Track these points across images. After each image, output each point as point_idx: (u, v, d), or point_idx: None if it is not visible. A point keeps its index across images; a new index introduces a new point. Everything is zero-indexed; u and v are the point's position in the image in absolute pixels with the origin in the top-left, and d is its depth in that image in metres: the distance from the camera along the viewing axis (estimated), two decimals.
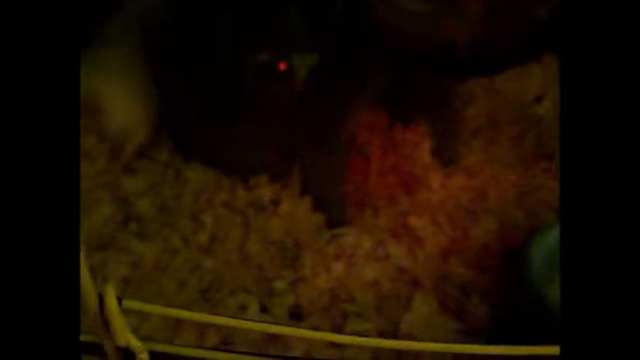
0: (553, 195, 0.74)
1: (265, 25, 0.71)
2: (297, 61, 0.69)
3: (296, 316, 0.63)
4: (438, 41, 0.85)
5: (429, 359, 0.59)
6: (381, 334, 0.61)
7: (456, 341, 0.62)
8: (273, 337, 0.60)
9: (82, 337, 0.37)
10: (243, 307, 0.64)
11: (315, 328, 0.61)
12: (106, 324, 0.36)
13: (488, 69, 0.88)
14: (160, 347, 0.37)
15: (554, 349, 0.38)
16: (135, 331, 0.38)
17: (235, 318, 0.37)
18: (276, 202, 0.71)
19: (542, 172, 0.76)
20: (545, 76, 0.85)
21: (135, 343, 0.36)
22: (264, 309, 0.64)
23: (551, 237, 0.64)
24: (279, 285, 0.65)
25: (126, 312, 0.37)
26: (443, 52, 0.86)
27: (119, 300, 0.36)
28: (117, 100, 0.74)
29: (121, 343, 0.36)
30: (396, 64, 0.73)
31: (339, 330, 0.61)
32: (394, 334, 0.61)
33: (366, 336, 0.55)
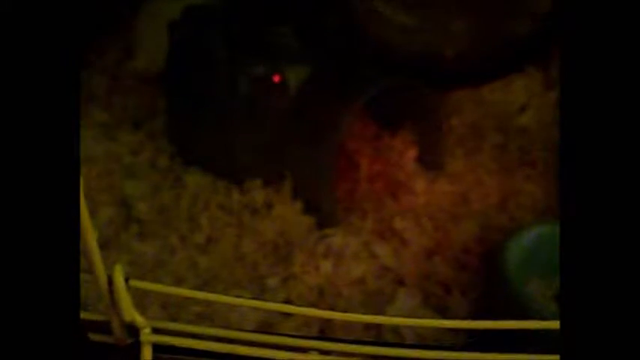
0: (533, 199, 0.78)
1: (260, 39, 0.75)
2: (291, 74, 0.73)
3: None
4: (424, 53, 0.89)
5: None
6: (367, 328, 0.65)
7: (437, 335, 0.65)
8: (267, 326, 0.63)
9: (90, 316, 0.41)
10: None
11: (305, 323, 0.65)
12: (113, 302, 0.39)
13: (473, 80, 0.92)
14: (162, 324, 0.41)
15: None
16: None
17: (234, 297, 0.40)
18: (269, 205, 0.74)
19: (523, 178, 0.80)
20: (528, 87, 0.89)
21: (139, 319, 0.40)
22: None
23: (526, 238, 0.68)
24: (272, 282, 0.68)
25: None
26: (429, 64, 0.90)
27: (126, 280, 0.39)
28: None
29: (127, 319, 0.39)
30: (384, 75, 0.77)
31: (326, 324, 0.64)
32: (378, 328, 0.64)
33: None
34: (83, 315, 0.41)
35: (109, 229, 0.74)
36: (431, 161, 0.81)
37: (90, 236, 0.38)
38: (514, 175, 0.80)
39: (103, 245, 0.73)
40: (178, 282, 0.69)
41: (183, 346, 0.42)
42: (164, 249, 0.71)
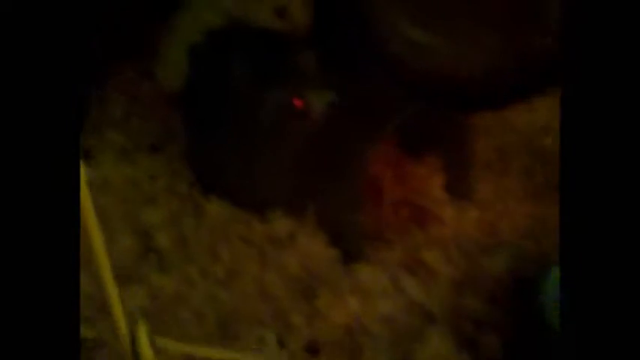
0: None
1: (281, 64, 0.73)
2: (314, 99, 0.71)
3: (312, 350, 0.64)
4: (447, 74, 0.87)
5: None
6: None
7: None
8: None
9: None
10: (260, 341, 0.64)
11: None
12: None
13: (497, 102, 0.89)
14: None
15: None
16: None
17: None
18: (292, 237, 0.72)
19: (552, 203, 0.77)
20: (552, 107, 0.86)
21: None
22: (281, 343, 0.64)
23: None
24: (296, 319, 0.66)
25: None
26: (452, 85, 0.87)
27: (150, 338, 0.37)
28: None
29: None
30: (408, 98, 0.75)
31: None
32: None
33: None
34: None
35: (126, 259, 0.72)
36: (458, 188, 0.78)
37: (112, 291, 0.36)
38: (542, 200, 0.78)
39: (120, 277, 0.70)
40: (198, 318, 0.66)
41: None
42: (183, 282, 0.69)
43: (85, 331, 0.53)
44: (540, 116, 0.86)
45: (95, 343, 0.57)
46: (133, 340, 0.37)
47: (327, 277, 0.68)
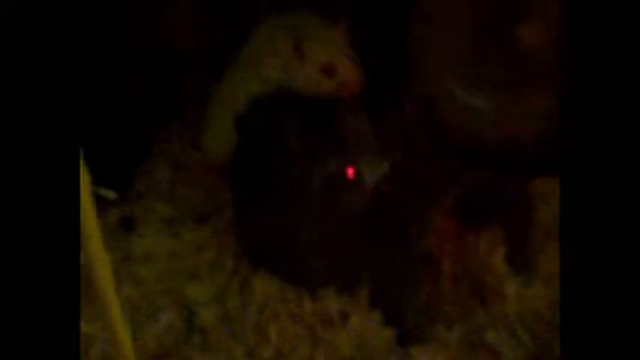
0: None
1: (332, 131, 0.70)
2: (366, 168, 0.68)
3: None
4: (504, 139, 0.84)
5: None
6: None
7: None
8: None
9: None
10: None
11: None
12: None
13: (556, 168, 0.85)
14: None
15: None
16: None
17: None
18: (344, 316, 0.68)
19: None
20: None
21: None
22: None
23: None
24: None
25: None
26: (510, 150, 0.84)
27: None
28: None
29: None
30: (465, 167, 0.72)
31: None
32: None
33: None
34: None
35: (169, 338, 0.69)
36: (521, 261, 0.74)
37: None
38: None
39: (162, 356, 0.67)
40: None
41: None
42: None
43: None
44: None
45: None
46: None
47: (382, 359, 0.64)
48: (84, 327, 0.64)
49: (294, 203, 0.69)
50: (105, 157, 0.82)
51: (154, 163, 0.90)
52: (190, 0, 0.94)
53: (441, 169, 0.70)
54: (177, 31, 0.94)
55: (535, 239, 0.76)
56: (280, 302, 0.70)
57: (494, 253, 0.73)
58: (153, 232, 0.80)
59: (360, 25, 0.78)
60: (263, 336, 0.67)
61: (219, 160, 0.84)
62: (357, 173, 0.68)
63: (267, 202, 0.71)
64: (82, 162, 0.40)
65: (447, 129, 0.84)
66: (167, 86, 0.93)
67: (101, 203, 0.80)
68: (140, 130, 0.90)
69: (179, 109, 0.95)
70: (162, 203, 0.84)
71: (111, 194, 0.80)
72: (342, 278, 0.69)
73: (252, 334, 0.68)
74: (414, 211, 0.66)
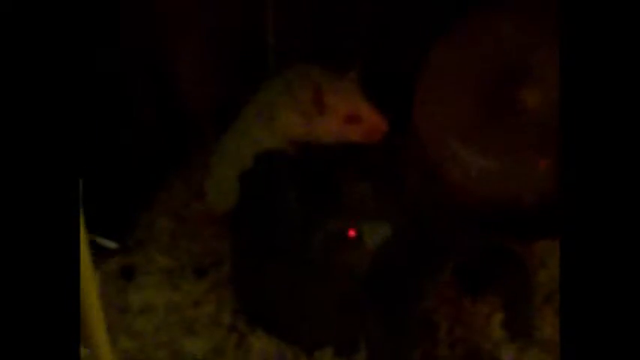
0: None
1: (335, 192, 0.70)
2: (367, 230, 0.68)
3: None
4: (507, 201, 0.84)
5: None
6: None
7: None
8: None
9: None
10: None
11: None
12: None
13: (556, 230, 0.85)
14: None
15: None
16: None
17: None
18: None
19: None
20: None
21: None
22: None
23: None
24: None
25: None
26: (512, 212, 0.84)
27: None
28: None
29: None
30: (466, 232, 0.72)
31: None
32: None
33: None
34: None
35: None
36: (518, 326, 0.73)
37: None
38: None
39: None
40: None
41: None
42: None
43: None
44: None
45: None
46: None
47: None
48: None
49: (293, 263, 0.70)
50: (106, 207, 0.83)
51: (155, 213, 0.91)
52: (201, 58, 0.96)
53: (442, 234, 0.70)
54: (187, 87, 0.95)
55: (533, 304, 0.76)
56: None
57: (492, 319, 0.73)
58: (152, 283, 0.80)
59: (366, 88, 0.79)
60: None
61: (221, 210, 0.84)
62: (359, 236, 0.68)
63: (266, 261, 0.71)
64: (81, 212, 0.40)
65: (450, 190, 0.84)
66: (171, 137, 0.94)
67: (101, 253, 0.81)
68: (142, 180, 0.90)
69: (182, 159, 0.96)
70: (162, 254, 0.84)
71: (111, 244, 0.81)
72: (339, 340, 0.69)
73: None
74: (413, 276, 0.66)
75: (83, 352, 0.43)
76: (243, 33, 0.96)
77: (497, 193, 0.85)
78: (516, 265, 0.75)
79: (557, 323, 0.74)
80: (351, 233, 0.68)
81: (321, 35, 0.96)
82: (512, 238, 0.77)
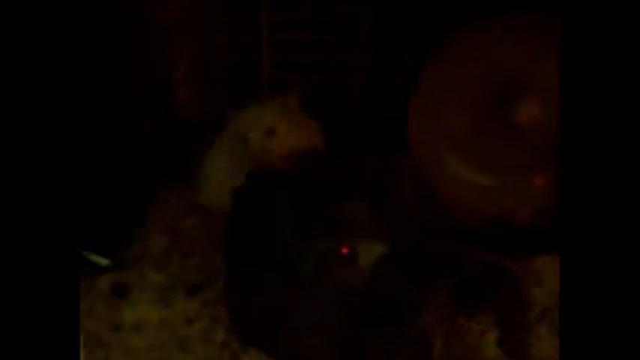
0: None
1: (328, 210, 0.70)
2: (362, 249, 0.68)
3: None
4: (504, 217, 0.84)
5: None
6: None
7: None
8: None
9: None
10: None
11: None
12: None
13: (552, 247, 0.85)
14: None
15: None
16: None
17: None
18: None
19: None
20: None
21: None
22: None
23: None
24: None
25: None
26: (509, 228, 0.84)
27: None
28: None
29: None
30: (462, 251, 0.72)
31: None
32: None
33: None
34: None
35: None
36: (513, 345, 0.73)
37: None
38: None
39: None
40: None
41: None
42: None
43: None
44: None
45: None
46: None
47: None
48: None
49: (287, 280, 0.69)
50: (100, 224, 0.83)
51: (149, 229, 0.90)
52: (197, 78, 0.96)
53: (438, 252, 0.70)
54: (183, 104, 0.95)
55: (526, 321, 0.75)
56: None
57: (487, 336, 0.73)
58: (145, 300, 0.79)
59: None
60: None
61: (213, 205, 0.85)
62: (353, 254, 0.68)
63: (260, 276, 0.71)
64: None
65: (445, 207, 0.84)
66: (164, 155, 0.94)
67: (94, 270, 0.81)
68: (135, 196, 0.90)
69: (176, 175, 0.96)
70: (155, 271, 0.83)
71: (103, 261, 0.81)
72: (332, 357, 0.68)
73: None
74: (409, 293, 0.66)
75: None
76: (239, 45, 0.97)
77: (492, 209, 0.85)
78: (511, 282, 0.75)
79: (553, 340, 0.74)
80: (344, 250, 0.68)
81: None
82: (507, 254, 0.77)
